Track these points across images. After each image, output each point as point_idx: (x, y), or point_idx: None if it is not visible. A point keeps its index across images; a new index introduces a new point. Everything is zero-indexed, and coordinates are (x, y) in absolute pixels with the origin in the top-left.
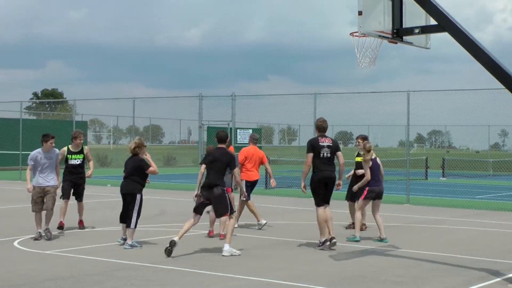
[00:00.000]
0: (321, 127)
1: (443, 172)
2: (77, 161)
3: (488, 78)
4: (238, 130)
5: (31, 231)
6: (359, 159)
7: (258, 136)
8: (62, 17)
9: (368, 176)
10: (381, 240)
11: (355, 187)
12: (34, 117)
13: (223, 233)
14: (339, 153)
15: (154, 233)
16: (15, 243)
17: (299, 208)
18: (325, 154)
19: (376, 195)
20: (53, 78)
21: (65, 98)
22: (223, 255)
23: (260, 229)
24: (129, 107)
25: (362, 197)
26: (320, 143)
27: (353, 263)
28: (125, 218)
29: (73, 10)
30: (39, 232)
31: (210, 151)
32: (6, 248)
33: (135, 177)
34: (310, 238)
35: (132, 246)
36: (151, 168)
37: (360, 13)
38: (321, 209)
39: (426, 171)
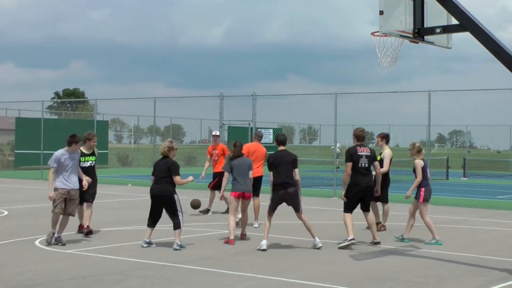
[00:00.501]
0: (360, 136)
1: (464, 172)
2: (90, 164)
3: (510, 78)
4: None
5: None
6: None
7: (262, 133)
8: (85, 17)
9: (420, 177)
10: (437, 242)
11: (409, 192)
12: (56, 117)
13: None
14: (376, 163)
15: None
16: (36, 242)
17: (320, 208)
18: (363, 164)
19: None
20: (75, 77)
21: (87, 97)
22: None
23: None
24: (150, 107)
25: (421, 199)
26: (358, 153)
27: (374, 263)
28: (155, 221)
29: (96, 10)
30: (52, 233)
31: (274, 154)
32: (27, 248)
33: (169, 178)
34: (331, 238)
35: (180, 247)
36: (178, 178)
37: (381, 12)
38: (348, 215)
39: (447, 171)
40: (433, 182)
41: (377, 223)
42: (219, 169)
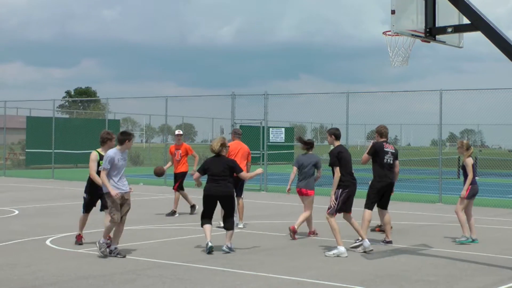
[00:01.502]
0: (384, 133)
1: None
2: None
3: None
4: (270, 129)
5: (63, 230)
6: None
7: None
8: (96, 15)
9: (471, 175)
10: (472, 240)
11: (465, 192)
12: (67, 116)
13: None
14: (397, 161)
15: (184, 231)
16: (47, 242)
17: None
18: (388, 160)
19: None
20: (86, 76)
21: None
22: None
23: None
24: (161, 106)
25: (466, 195)
26: (385, 149)
27: (385, 262)
28: (210, 219)
29: (106, 8)
30: (107, 244)
31: (341, 148)
32: (38, 247)
33: (229, 177)
34: (341, 238)
35: (230, 249)
36: (244, 173)
37: (393, 12)
38: (369, 212)
39: (459, 170)
40: (444, 181)
41: (379, 226)
42: (181, 169)
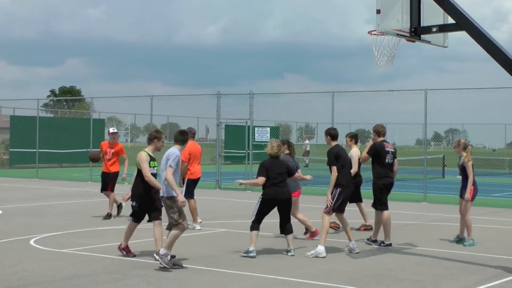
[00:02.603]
0: (382, 132)
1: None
2: (155, 171)
3: (505, 77)
4: (256, 128)
5: (47, 230)
6: None
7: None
8: (80, 14)
9: (471, 176)
10: (460, 239)
11: (469, 195)
12: (51, 115)
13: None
14: (396, 160)
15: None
16: (31, 242)
17: (318, 207)
18: (389, 160)
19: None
20: (71, 75)
21: (83, 95)
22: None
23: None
24: (147, 105)
25: (471, 197)
26: (386, 149)
27: (371, 261)
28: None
29: (91, 7)
30: (171, 256)
31: (338, 148)
32: (22, 247)
33: (286, 180)
34: (328, 237)
35: (290, 252)
36: (297, 174)
37: (378, 11)
38: (387, 212)
39: (443, 169)
40: (429, 180)
41: (368, 226)
42: (114, 169)
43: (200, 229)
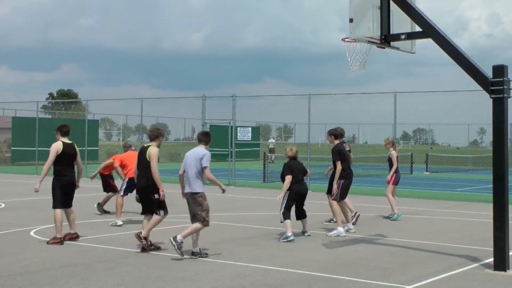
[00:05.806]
0: (343, 135)
1: (426, 167)
2: None
3: (467, 80)
4: (238, 129)
5: (46, 222)
6: None
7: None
8: (74, 23)
9: (396, 164)
10: (398, 215)
11: (389, 177)
12: (50, 116)
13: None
14: (351, 155)
15: (162, 223)
16: (32, 233)
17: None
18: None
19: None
20: (67, 80)
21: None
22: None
23: (113, 225)
24: (137, 107)
25: (392, 182)
26: (345, 149)
27: (344, 251)
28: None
29: (84, 17)
30: (198, 252)
31: (341, 146)
32: (23, 238)
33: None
34: (297, 229)
35: (305, 233)
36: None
37: (351, 20)
38: (346, 200)
39: (411, 166)
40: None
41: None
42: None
43: (121, 224)
